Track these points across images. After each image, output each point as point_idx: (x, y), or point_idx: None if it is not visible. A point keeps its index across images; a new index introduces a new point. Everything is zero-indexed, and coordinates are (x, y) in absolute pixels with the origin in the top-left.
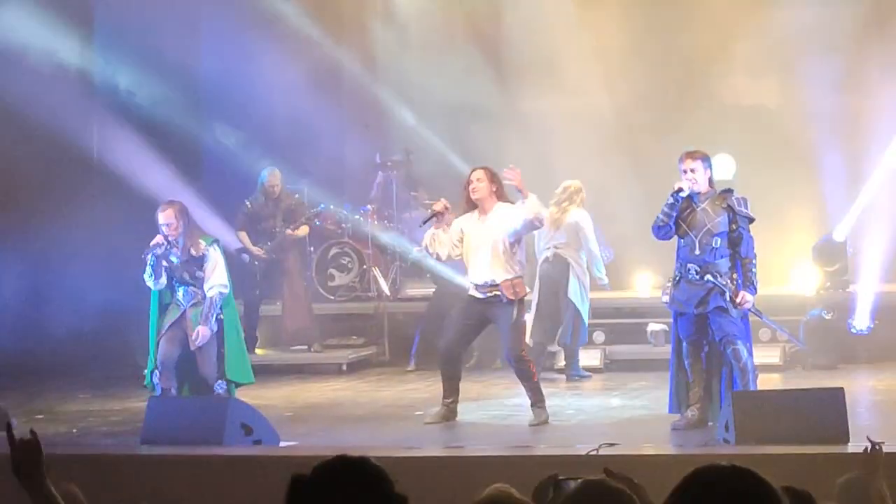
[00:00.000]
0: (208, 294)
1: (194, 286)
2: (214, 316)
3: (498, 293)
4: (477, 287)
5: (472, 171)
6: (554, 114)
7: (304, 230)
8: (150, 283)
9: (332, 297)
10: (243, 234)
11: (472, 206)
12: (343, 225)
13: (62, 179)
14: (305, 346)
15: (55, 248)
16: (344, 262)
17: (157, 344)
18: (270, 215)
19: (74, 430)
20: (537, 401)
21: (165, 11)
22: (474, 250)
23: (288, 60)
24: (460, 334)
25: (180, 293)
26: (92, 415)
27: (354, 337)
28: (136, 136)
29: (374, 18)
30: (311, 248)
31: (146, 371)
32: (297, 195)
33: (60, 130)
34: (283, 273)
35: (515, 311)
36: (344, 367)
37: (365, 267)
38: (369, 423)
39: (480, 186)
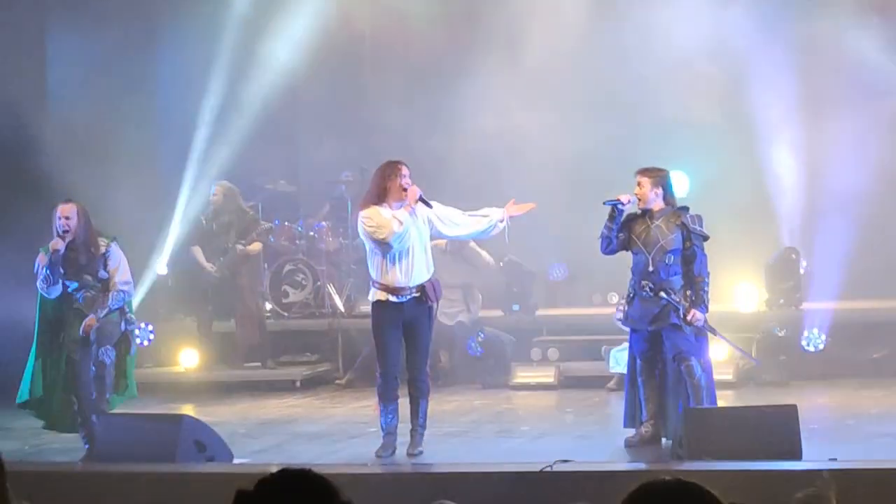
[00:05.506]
0: (110, 289)
1: (94, 290)
2: (107, 311)
3: (419, 294)
4: (397, 290)
5: (401, 165)
6: (506, 132)
7: (256, 246)
8: (43, 290)
9: (286, 314)
10: (197, 249)
11: (382, 199)
12: (297, 241)
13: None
14: (259, 363)
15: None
16: (298, 278)
17: (39, 358)
18: (223, 231)
19: (26, 447)
20: (423, 426)
21: (120, 26)
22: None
23: (246, 74)
24: (400, 354)
25: (78, 302)
26: (44, 432)
27: (308, 353)
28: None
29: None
30: (266, 265)
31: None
32: (250, 212)
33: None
34: (236, 289)
35: (433, 317)
36: (298, 384)
37: (319, 283)
38: (323, 439)
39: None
